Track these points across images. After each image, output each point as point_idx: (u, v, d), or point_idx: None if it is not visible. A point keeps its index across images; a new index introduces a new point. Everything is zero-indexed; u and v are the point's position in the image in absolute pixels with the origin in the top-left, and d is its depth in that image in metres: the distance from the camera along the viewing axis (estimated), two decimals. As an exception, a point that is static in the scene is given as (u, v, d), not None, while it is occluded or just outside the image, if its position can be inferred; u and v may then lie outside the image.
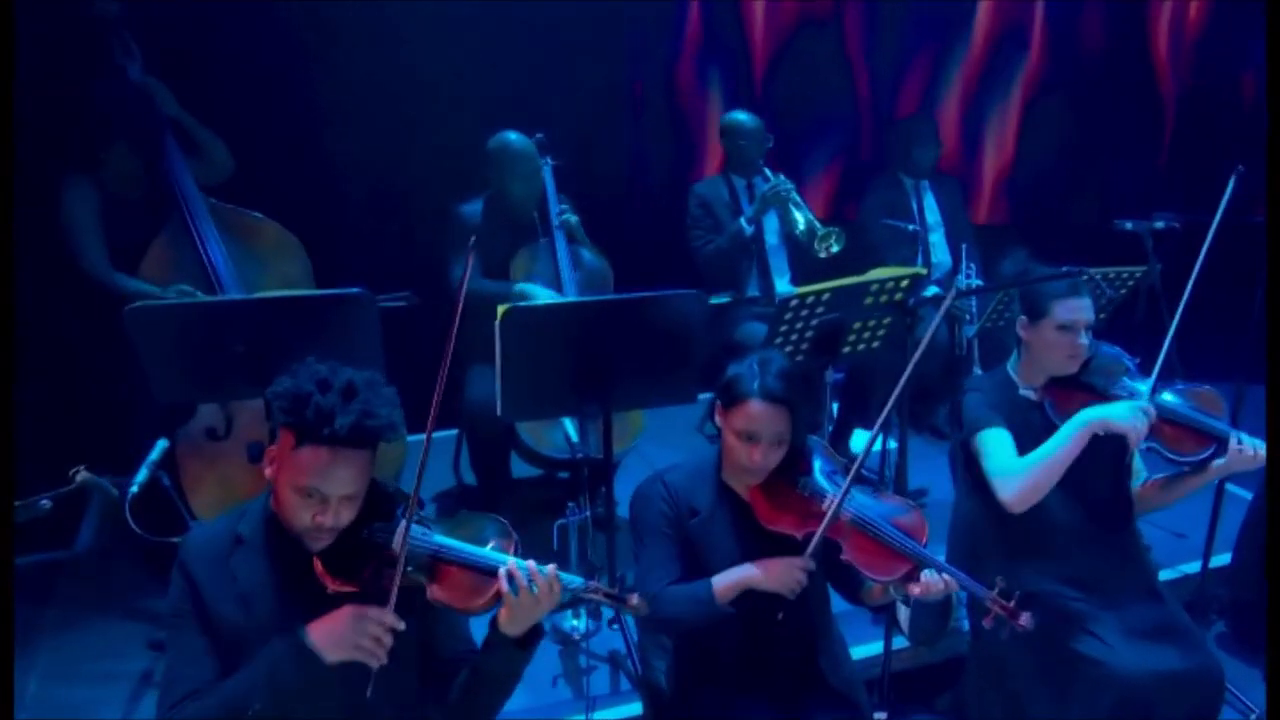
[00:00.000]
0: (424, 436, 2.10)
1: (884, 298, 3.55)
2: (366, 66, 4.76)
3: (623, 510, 3.28)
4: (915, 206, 5.07)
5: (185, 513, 3.12)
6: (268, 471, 2.11)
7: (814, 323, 3.49)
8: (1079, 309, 2.90)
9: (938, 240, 5.10)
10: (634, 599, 2.22)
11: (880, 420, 2.54)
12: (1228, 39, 5.84)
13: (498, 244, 4.12)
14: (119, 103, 3.69)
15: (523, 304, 3.22)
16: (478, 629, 2.28)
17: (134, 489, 2.92)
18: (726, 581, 2.55)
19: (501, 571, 2.11)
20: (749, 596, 2.54)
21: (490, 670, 2.18)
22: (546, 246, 4.17)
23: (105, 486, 2.75)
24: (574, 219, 4.23)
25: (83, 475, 2.67)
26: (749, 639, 2.60)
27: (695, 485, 2.65)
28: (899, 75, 5.86)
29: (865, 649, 3.41)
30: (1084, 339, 2.91)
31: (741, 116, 4.76)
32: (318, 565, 2.08)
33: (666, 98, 5.51)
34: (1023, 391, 3.02)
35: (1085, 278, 2.92)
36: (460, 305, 2.15)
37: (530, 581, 2.10)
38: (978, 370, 4.79)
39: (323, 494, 2.04)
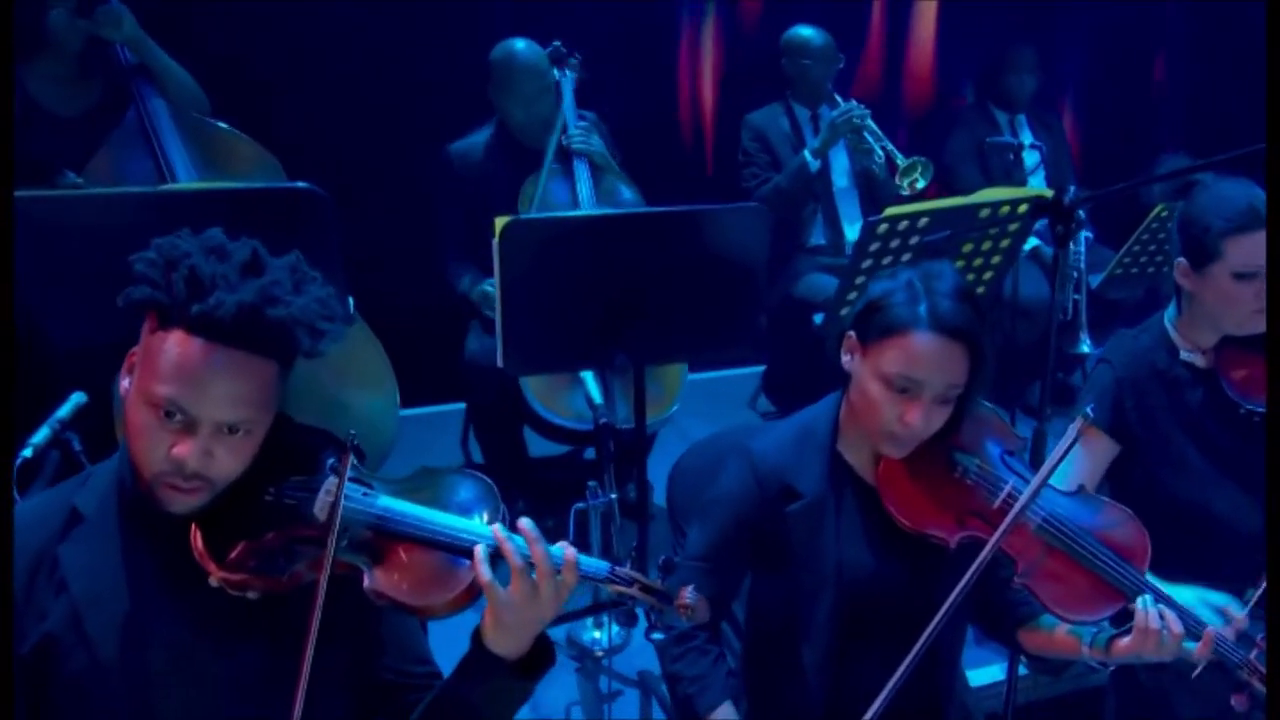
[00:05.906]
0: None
1: (994, 228, 2.88)
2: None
3: (658, 495, 2.80)
4: (1010, 144, 4.64)
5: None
6: (123, 385, 1.41)
7: (906, 258, 2.82)
8: (1262, 246, 2.14)
9: (1037, 183, 4.54)
10: (685, 595, 1.49)
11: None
12: None
13: (501, 182, 3.49)
14: None
15: (530, 215, 2.54)
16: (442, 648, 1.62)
17: (27, 451, 2.21)
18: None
19: (480, 550, 1.40)
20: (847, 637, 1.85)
21: (468, 705, 1.45)
22: (561, 172, 3.51)
23: None
24: (593, 145, 3.51)
25: None
26: (847, 691, 1.87)
27: (796, 458, 1.90)
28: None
29: (982, 674, 2.82)
30: None
31: (807, 32, 4.23)
32: (196, 540, 1.37)
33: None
34: (1185, 356, 2.32)
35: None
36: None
37: (528, 564, 1.39)
38: (1085, 340, 4.20)
39: (187, 414, 1.34)
